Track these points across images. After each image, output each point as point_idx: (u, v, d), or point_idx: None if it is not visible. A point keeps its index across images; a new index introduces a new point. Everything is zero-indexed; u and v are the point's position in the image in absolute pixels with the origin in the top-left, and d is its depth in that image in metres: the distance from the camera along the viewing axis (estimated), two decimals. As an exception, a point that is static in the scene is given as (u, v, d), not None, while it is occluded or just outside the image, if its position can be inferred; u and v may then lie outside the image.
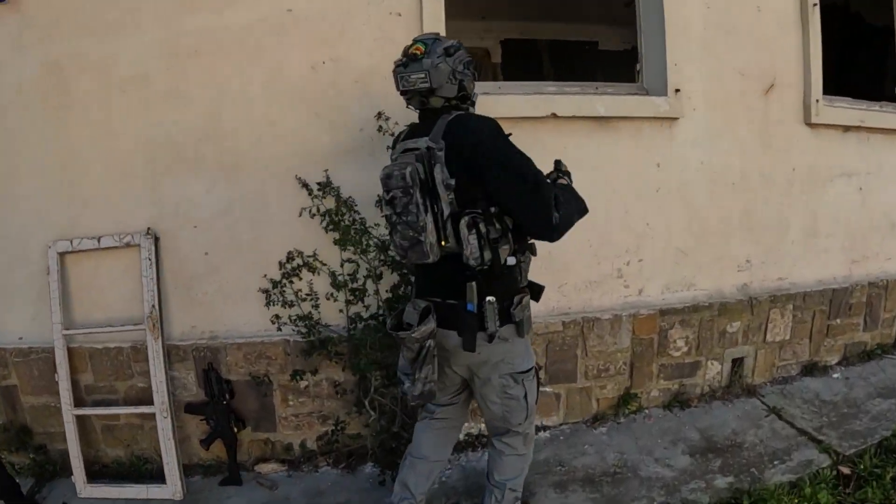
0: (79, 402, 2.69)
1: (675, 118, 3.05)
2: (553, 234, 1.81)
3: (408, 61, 1.87)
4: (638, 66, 3.14)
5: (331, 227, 2.65)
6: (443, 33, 2.60)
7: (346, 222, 2.66)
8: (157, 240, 2.66)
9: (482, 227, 1.77)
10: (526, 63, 5.78)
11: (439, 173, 1.79)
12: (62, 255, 2.63)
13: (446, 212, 1.79)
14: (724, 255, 3.26)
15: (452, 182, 1.77)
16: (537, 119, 2.86)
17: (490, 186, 1.78)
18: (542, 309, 2.89)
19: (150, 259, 2.60)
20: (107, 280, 2.69)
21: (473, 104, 2.03)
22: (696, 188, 3.16)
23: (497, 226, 1.80)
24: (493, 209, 1.80)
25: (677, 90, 3.00)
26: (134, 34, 2.58)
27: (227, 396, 2.69)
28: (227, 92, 2.62)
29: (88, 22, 2.57)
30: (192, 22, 2.58)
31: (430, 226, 1.80)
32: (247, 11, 2.60)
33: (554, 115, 2.84)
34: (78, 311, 2.71)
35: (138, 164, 2.63)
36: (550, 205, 1.78)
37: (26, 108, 2.58)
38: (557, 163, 2.17)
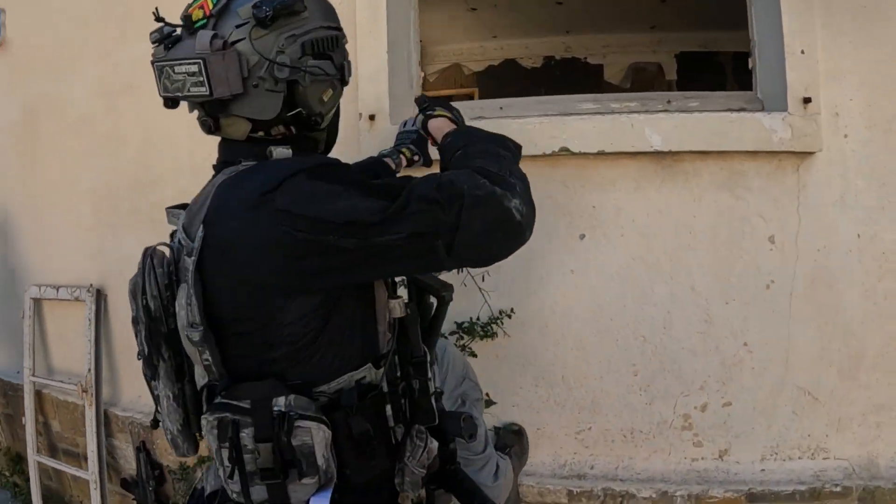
0: (52, 447, 2.68)
1: (807, 153, 1.66)
2: (524, 235, 0.89)
3: (173, 36, 0.94)
4: (750, 62, 1.79)
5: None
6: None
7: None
8: (104, 297, 2.43)
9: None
10: (706, 79, 4.37)
11: (183, 301, 0.93)
12: (36, 300, 2.60)
13: (200, 383, 0.99)
14: (891, 404, 1.73)
15: (199, 331, 0.90)
16: (539, 158, 1.82)
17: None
18: (539, 461, 1.87)
19: (90, 318, 2.38)
20: (72, 332, 2.58)
21: (329, 135, 1.11)
22: (846, 284, 1.70)
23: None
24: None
25: (806, 100, 1.61)
26: (82, 70, 2.34)
27: (155, 482, 2.37)
28: (154, 132, 2.21)
29: (53, 60, 2.42)
30: (127, 53, 2.23)
31: (167, 405, 1.02)
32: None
33: (567, 151, 1.76)
34: (54, 358, 2.67)
35: (87, 212, 2.42)
36: (499, 201, 0.84)
37: (5, 151, 2.58)
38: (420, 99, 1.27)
